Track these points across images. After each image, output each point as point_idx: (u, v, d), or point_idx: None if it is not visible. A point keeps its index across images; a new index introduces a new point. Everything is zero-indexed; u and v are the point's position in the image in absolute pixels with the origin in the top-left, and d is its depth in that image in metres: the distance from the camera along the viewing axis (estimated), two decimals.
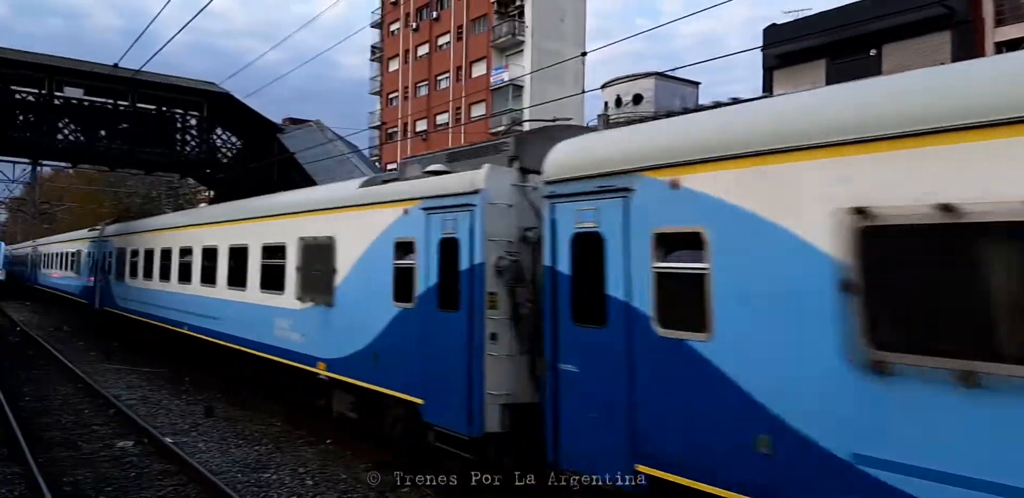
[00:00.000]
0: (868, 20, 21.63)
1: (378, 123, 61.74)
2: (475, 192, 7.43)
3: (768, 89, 26.01)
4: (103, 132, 25.31)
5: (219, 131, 27.81)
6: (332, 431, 10.50)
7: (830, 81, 24.10)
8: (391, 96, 60.92)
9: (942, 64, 5.21)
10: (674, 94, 36.59)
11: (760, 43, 26.80)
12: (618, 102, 36.14)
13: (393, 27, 61.01)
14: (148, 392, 14.14)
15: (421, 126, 55.85)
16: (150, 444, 10.08)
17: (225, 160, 27.81)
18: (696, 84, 40.35)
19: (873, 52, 24.19)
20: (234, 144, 28.27)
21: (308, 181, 24.83)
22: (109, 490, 8.15)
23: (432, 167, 8.60)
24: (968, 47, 22.46)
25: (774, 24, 26.18)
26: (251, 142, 28.51)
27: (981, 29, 23.24)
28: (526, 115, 40.93)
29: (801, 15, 26.85)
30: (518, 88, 48.18)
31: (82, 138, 25.02)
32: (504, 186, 7.50)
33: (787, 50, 24.93)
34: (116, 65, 15.81)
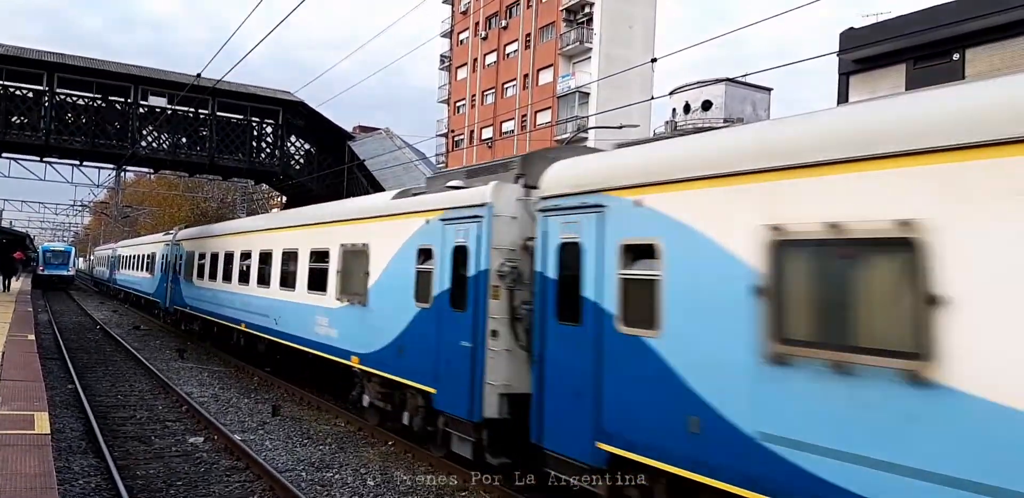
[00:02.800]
0: (953, 23, 20.76)
1: (445, 131, 62.49)
2: (482, 205, 8.23)
3: (844, 95, 25.24)
4: (184, 139, 26.33)
5: (293, 138, 28.58)
6: (396, 433, 10.57)
7: (911, 86, 23.23)
8: (459, 104, 61.59)
9: None
10: (744, 100, 35.93)
11: (836, 49, 26.03)
12: (687, 109, 35.64)
13: (462, 36, 61.74)
14: (219, 390, 14.53)
15: (487, 134, 56.26)
16: (220, 441, 10.33)
17: (298, 167, 28.54)
18: (768, 90, 39.55)
19: (956, 57, 23.22)
20: (307, 151, 29.01)
21: (376, 187, 25.26)
22: (179, 484, 8.36)
23: (451, 183, 9.34)
24: None
25: (851, 28, 25.39)
26: (323, 149, 29.20)
27: None
28: (592, 122, 40.77)
29: (880, 18, 26.02)
30: (584, 95, 48.09)
31: (165, 145, 26.07)
32: (509, 200, 8.21)
33: (865, 55, 24.16)
34: (199, 75, 16.35)
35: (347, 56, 17.61)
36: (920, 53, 23.83)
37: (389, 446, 10.34)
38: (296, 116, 28.22)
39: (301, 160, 28.82)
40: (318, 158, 28.99)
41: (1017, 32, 21.49)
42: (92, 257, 65.40)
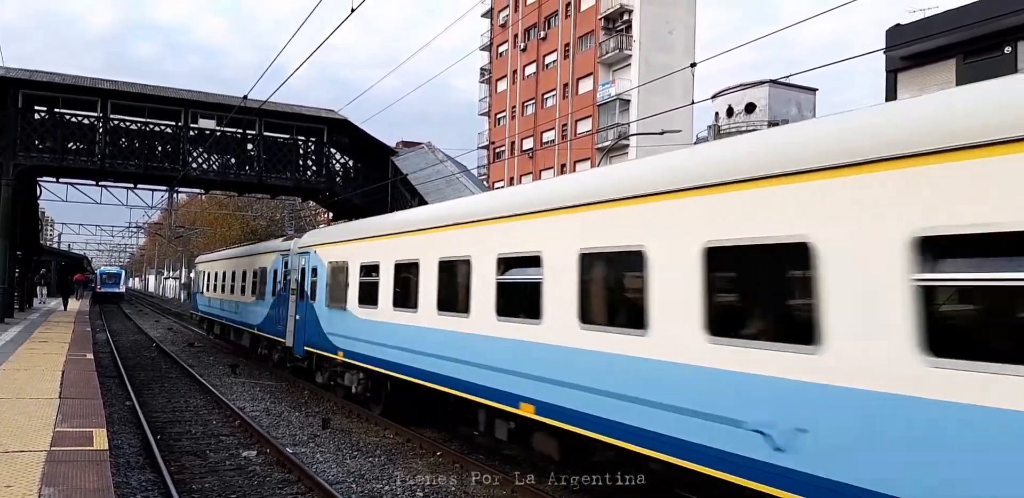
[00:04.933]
0: (1003, 15, 20.14)
1: (486, 143, 62.79)
2: (287, 249, 17.69)
3: (892, 92, 24.64)
4: (233, 160, 26.90)
5: (337, 155, 28.99)
6: (442, 444, 10.55)
7: (961, 81, 22.57)
8: (499, 116, 61.87)
9: None
10: (789, 101, 35.39)
11: (883, 46, 25.45)
12: (729, 112, 35.26)
13: (502, 48, 62.10)
14: (270, 404, 14.72)
15: (528, 144, 56.36)
16: (272, 454, 10.44)
17: (343, 183, 28.93)
18: (813, 90, 38.87)
19: (1008, 50, 22.51)
20: (351, 167, 29.39)
21: (420, 201, 25.46)
22: (233, 497, 8.47)
23: (288, 236, 19.67)
24: None
25: (898, 24, 24.81)
26: (367, 165, 29.56)
27: None
28: (633, 129, 40.54)
29: (928, 14, 25.39)
30: (625, 102, 47.89)
31: (215, 166, 26.68)
32: (296, 247, 16.91)
33: (913, 51, 23.58)
34: (245, 97, 16.74)
35: (388, 73, 17.82)
36: (970, 48, 23.17)
37: (437, 457, 10.33)
38: (340, 133, 28.65)
39: (346, 176, 29.22)
40: (363, 174, 29.36)
41: None
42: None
